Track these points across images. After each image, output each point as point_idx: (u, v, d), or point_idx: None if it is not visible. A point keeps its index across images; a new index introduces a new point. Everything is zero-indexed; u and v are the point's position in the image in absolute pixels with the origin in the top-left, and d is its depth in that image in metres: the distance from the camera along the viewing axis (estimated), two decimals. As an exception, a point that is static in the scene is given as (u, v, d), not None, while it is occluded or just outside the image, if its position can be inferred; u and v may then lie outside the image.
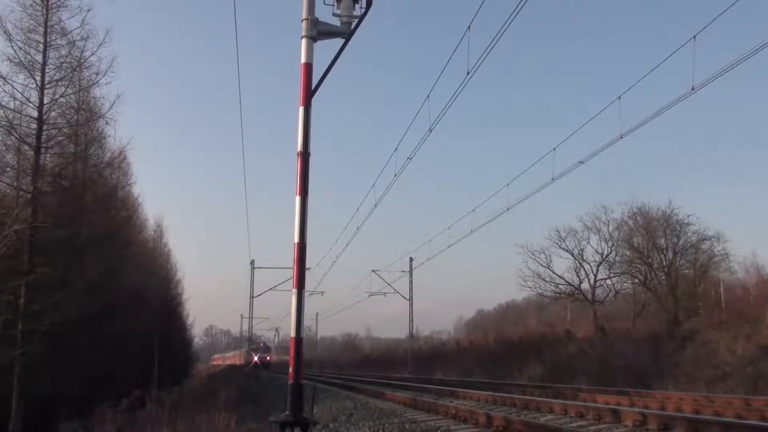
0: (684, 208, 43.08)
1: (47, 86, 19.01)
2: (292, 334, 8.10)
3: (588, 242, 39.17)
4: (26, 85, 18.73)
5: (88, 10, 19.47)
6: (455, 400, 18.48)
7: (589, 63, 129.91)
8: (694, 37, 11.61)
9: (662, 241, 35.50)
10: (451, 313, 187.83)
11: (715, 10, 20.14)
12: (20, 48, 18.46)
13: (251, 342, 71.57)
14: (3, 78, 18.22)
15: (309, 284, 33.47)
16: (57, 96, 19.51)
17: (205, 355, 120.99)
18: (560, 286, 40.55)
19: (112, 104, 21.44)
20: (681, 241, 35.13)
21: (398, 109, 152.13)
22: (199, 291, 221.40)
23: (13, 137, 18.89)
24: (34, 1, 18.68)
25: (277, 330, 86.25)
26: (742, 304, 28.34)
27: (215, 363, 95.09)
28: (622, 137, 13.64)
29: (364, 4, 8.74)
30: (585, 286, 39.64)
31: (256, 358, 69.47)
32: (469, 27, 10.84)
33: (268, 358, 73.17)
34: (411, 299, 50.57)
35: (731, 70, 10.83)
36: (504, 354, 38.42)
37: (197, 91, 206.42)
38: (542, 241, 41.20)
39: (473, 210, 23.96)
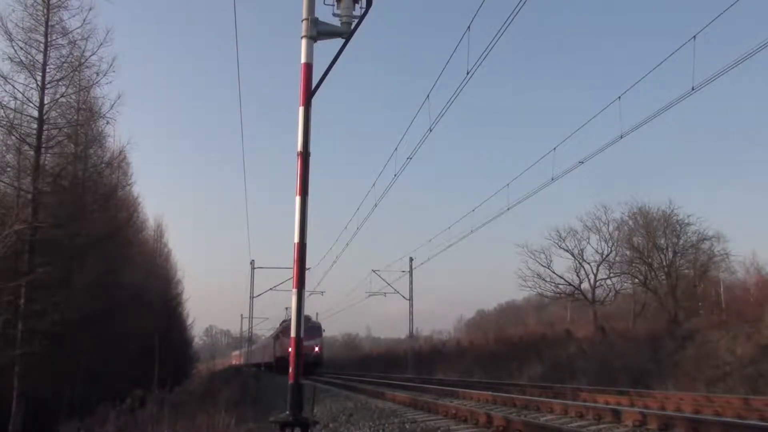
0: (684, 208, 43.16)
1: (48, 86, 19.04)
2: (292, 334, 8.11)
3: (588, 242, 39.23)
4: (27, 85, 18.80)
5: (89, 10, 19.56)
6: (455, 400, 18.48)
7: (589, 63, 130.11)
8: (694, 37, 11.63)
9: (662, 241, 35.50)
10: (451, 313, 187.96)
11: (715, 10, 20.15)
12: (21, 48, 18.53)
13: (249, 339, 63.85)
14: (4, 78, 18.28)
15: (309, 284, 33.42)
16: (57, 96, 19.58)
17: (206, 355, 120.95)
18: (560, 286, 40.60)
19: (113, 104, 21.51)
20: (681, 241, 35.14)
21: (398, 109, 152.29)
22: (199, 291, 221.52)
23: (13, 137, 18.91)
24: (35, 1, 18.71)
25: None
26: (742, 304, 28.33)
27: (235, 362, 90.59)
28: (622, 137, 13.66)
29: (364, 4, 8.73)
30: (585, 286, 39.70)
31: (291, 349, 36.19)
32: (468, 27, 10.85)
33: (317, 348, 43.88)
34: (411, 299, 50.58)
35: (731, 70, 10.85)
36: (504, 354, 38.43)
37: (197, 90, 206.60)
38: (542, 241, 41.26)
39: (473, 210, 24.02)
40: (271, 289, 54.09)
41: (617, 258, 38.40)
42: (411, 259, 49.18)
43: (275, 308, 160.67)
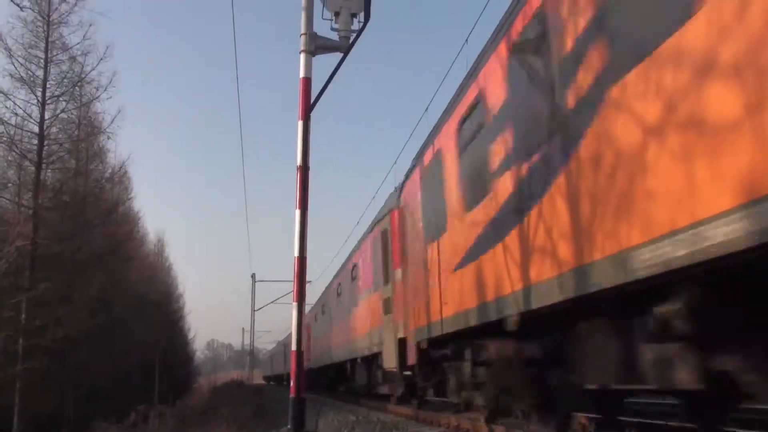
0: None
1: (48, 102, 19.13)
2: (293, 347, 8.10)
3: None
4: (27, 101, 18.88)
5: (90, 26, 19.72)
6: (457, 413, 18.38)
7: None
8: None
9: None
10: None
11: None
12: (21, 64, 18.64)
13: (251, 353, 65.50)
14: (4, 94, 18.37)
15: (310, 297, 33.37)
16: (58, 111, 19.69)
17: (207, 368, 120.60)
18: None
19: (113, 119, 21.63)
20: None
21: (398, 121, 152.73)
22: (200, 304, 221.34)
23: (14, 153, 19.01)
24: (35, 18, 18.86)
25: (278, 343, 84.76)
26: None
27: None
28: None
29: (362, 19, 8.79)
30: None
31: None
32: (466, 40, 10.95)
33: None
34: (413, 311, 50.30)
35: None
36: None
37: (199, 108, 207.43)
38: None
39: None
40: (272, 302, 54.03)
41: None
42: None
43: (278, 321, 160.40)
